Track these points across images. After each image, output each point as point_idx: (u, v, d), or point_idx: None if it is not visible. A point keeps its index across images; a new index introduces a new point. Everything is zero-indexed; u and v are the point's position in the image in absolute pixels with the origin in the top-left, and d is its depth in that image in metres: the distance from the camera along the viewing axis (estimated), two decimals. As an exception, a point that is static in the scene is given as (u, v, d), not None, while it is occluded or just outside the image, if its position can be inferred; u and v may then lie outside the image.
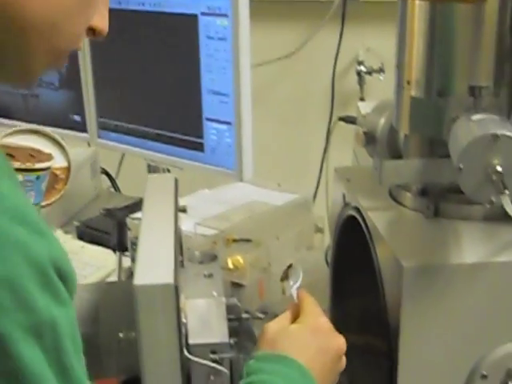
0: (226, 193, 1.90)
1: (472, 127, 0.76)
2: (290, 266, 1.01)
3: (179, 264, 0.97)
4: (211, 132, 1.60)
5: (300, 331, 0.86)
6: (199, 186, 1.94)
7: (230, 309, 1.00)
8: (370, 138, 1.04)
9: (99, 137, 1.87)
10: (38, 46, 0.61)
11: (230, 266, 1.48)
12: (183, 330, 0.89)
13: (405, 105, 0.91)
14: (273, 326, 0.89)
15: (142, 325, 0.76)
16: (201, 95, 1.59)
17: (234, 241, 1.55)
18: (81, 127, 1.91)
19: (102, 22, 0.67)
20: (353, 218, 1.00)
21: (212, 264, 1.02)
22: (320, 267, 1.52)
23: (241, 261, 1.48)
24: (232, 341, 0.97)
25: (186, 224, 1.63)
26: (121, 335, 0.85)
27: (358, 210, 0.98)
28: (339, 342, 0.87)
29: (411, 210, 0.94)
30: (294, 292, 0.96)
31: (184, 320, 0.89)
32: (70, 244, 1.78)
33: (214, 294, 0.93)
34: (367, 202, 0.97)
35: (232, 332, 1.00)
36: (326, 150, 1.94)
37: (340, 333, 1.04)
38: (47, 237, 0.56)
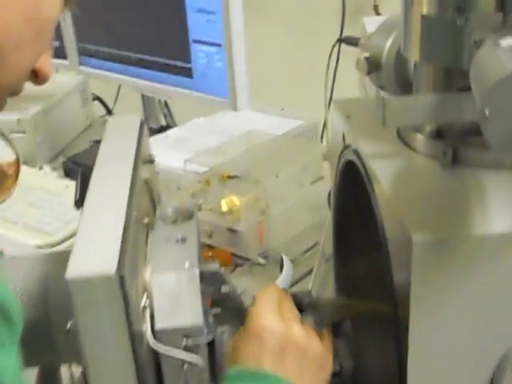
0: (223, 121, 1.72)
1: (501, 56, 0.56)
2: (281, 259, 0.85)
3: (142, 230, 0.81)
4: (199, 55, 1.42)
5: (244, 340, 0.74)
6: (194, 113, 1.76)
7: (209, 277, 0.84)
8: (373, 65, 0.86)
9: (81, 64, 1.70)
10: None
11: (224, 208, 1.32)
12: (148, 313, 0.73)
13: (415, 25, 0.71)
14: (234, 338, 0.77)
15: (81, 325, 0.61)
16: (185, 14, 1.39)
17: (229, 177, 1.39)
18: (60, 53, 1.73)
19: (46, 65, 0.64)
20: (354, 163, 0.82)
21: (187, 224, 0.85)
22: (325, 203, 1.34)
23: (236, 202, 1.31)
24: (211, 318, 0.81)
25: (177, 160, 1.47)
26: (69, 325, 0.70)
27: (358, 154, 0.80)
28: (295, 334, 0.72)
29: (423, 156, 0.76)
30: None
31: (146, 301, 0.73)
32: (53, 184, 1.63)
33: (186, 264, 0.76)
34: (369, 146, 0.79)
35: (213, 302, 0.85)
36: (335, 71, 1.74)
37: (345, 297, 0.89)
38: None
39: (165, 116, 1.95)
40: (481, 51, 0.60)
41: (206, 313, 0.79)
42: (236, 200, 1.31)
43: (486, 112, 0.53)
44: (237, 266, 1.35)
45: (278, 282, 0.83)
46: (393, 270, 0.69)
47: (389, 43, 0.84)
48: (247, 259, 1.34)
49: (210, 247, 1.36)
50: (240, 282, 1.30)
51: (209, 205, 1.33)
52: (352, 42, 0.95)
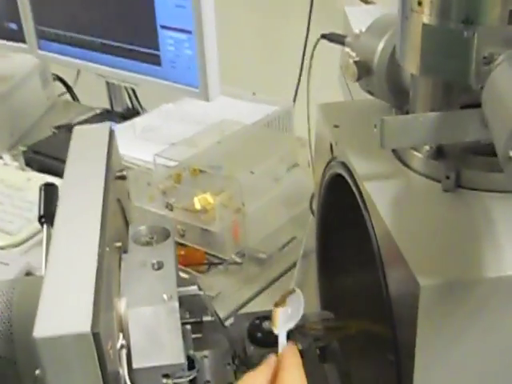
0: (192, 107, 1.64)
1: (522, 86, 0.50)
2: (291, 291, 0.75)
3: (114, 255, 0.74)
4: (168, 42, 1.33)
5: None
6: (162, 96, 1.68)
7: (189, 301, 0.78)
8: (363, 70, 0.79)
9: (40, 48, 1.59)
10: None
11: (198, 206, 1.25)
12: (124, 352, 0.67)
13: (414, 36, 0.65)
14: None
15: (49, 382, 0.54)
16: (152, -3, 1.31)
17: (201, 171, 1.32)
18: (19, 36, 1.63)
19: None
20: (342, 176, 0.76)
21: (163, 245, 0.78)
22: (305, 192, 1.27)
23: (210, 200, 1.24)
24: (191, 350, 0.75)
25: (145, 152, 1.39)
26: (37, 372, 0.63)
27: (348, 169, 0.74)
28: None
29: (422, 177, 0.69)
30: (282, 335, 0.71)
31: (123, 339, 0.67)
32: (14, 176, 1.54)
33: (164, 296, 0.70)
34: (362, 163, 0.72)
35: (194, 329, 0.79)
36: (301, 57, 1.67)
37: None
38: None
39: (130, 98, 1.86)
40: (496, 74, 0.54)
41: (186, 343, 0.73)
42: (210, 198, 1.24)
43: (511, 154, 0.46)
44: (211, 264, 1.29)
45: (291, 323, 0.74)
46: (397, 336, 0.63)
47: (381, 46, 0.77)
48: (223, 258, 1.28)
49: (183, 245, 1.29)
50: (216, 282, 1.24)
51: (181, 202, 1.26)
52: (336, 39, 0.88)
